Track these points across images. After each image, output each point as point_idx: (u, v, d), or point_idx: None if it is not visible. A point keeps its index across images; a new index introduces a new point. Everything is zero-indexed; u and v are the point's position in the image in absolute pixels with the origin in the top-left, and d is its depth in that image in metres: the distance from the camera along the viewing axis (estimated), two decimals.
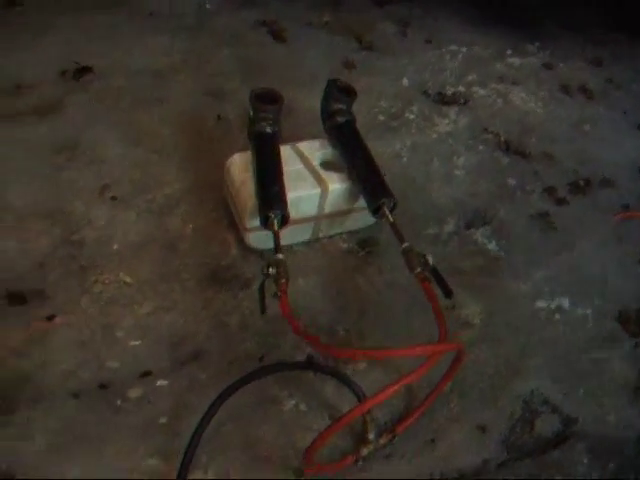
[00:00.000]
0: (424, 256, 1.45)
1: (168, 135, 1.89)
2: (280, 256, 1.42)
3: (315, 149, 1.69)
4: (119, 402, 1.40)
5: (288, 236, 1.61)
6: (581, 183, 1.94)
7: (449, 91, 2.14)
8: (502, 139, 2.01)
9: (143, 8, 2.29)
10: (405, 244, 1.47)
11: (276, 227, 1.48)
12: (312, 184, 1.60)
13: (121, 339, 1.49)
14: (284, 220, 1.51)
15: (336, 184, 1.61)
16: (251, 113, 1.66)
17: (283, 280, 1.38)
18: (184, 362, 1.47)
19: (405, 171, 1.88)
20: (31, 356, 1.45)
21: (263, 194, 1.52)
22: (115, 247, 1.64)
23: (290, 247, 1.66)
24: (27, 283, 1.55)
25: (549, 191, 1.91)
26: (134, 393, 1.42)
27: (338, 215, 1.65)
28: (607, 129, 2.15)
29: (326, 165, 1.67)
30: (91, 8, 2.25)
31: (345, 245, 1.70)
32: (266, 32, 2.25)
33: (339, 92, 1.69)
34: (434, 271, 1.44)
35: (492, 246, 1.74)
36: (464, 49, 2.34)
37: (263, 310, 1.38)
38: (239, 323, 1.53)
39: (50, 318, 1.51)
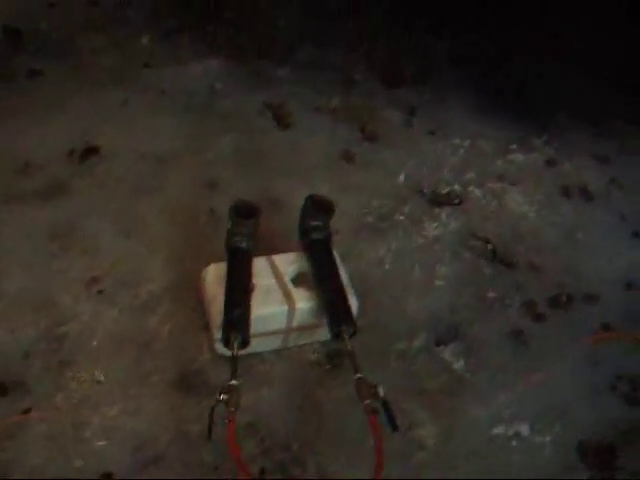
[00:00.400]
0: (375, 387, 1.51)
1: (160, 228, 1.97)
2: (234, 383, 1.49)
3: (289, 263, 1.75)
4: None
5: (258, 345, 1.68)
6: (563, 298, 1.95)
7: (444, 190, 2.17)
8: (489, 247, 2.03)
9: (156, 85, 2.37)
10: (358, 375, 1.53)
11: (235, 350, 1.55)
12: (280, 301, 1.67)
13: (88, 439, 1.58)
14: (244, 343, 1.58)
15: (303, 303, 1.68)
16: (229, 226, 1.73)
17: (232, 409, 1.45)
18: (144, 466, 1.55)
19: (385, 279, 1.92)
20: (5, 449, 1.55)
21: (227, 316, 1.59)
22: (94, 343, 1.73)
23: (260, 355, 1.73)
24: (10, 373, 1.67)
25: (528, 305, 1.93)
26: None
27: (307, 328, 1.71)
28: (601, 237, 2.15)
29: (298, 280, 1.73)
30: (107, 82, 2.35)
31: (314, 356, 1.76)
32: (271, 117, 2.31)
33: (316, 209, 1.75)
34: (384, 404, 1.50)
35: (459, 365, 1.77)
36: (467, 142, 2.35)
37: (209, 435, 1.45)
38: (200, 432, 1.59)
39: (27, 411, 1.62)
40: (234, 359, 1.54)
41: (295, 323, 1.70)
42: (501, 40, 2.64)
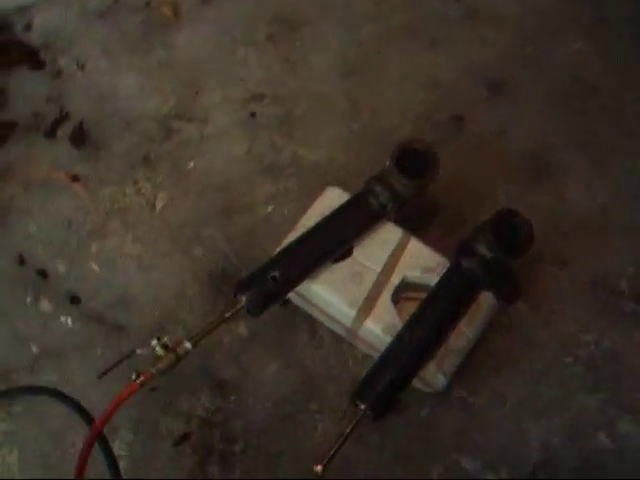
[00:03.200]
0: None
1: (384, 91, 1.44)
2: (187, 346, 1.06)
3: (419, 261, 1.17)
4: (28, 300, 1.29)
5: (320, 316, 1.23)
6: None
7: None
8: None
9: None
10: (318, 468, 1.00)
11: (228, 312, 1.10)
12: (355, 300, 1.14)
13: (89, 254, 1.32)
14: (250, 312, 1.11)
15: (375, 325, 1.13)
16: (387, 164, 1.17)
17: (153, 370, 1.04)
18: (107, 321, 1.27)
19: (542, 377, 1.24)
20: (27, 198, 1.36)
21: (259, 268, 1.12)
22: (189, 165, 1.38)
23: (320, 326, 1.26)
24: (99, 129, 1.42)
25: None
26: (45, 306, 1.29)
27: (377, 350, 1.17)
28: None
29: (409, 288, 1.16)
30: None
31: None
32: None
33: (499, 233, 1.10)
34: None
35: None
36: None
37: (101, 375, 1.09)
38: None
39: (75, 179, 1.37)
40: (219, 319, 1.10)
41: (361, 334, 1.17)
42: None
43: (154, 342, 1.06)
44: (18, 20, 1.50)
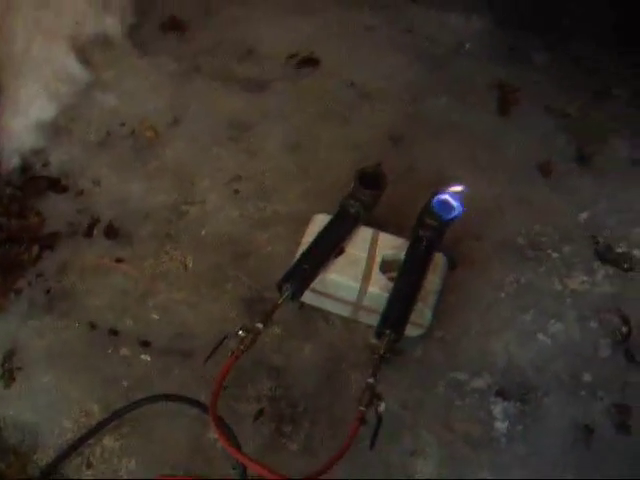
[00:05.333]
0: (379, 399, 1.48)
1: (325, 156, 2.01)
2: (259, 326, 1.54)
3: (389, 246, 1.72)
4: (110, 351, 1.69)
5: (327, 304, 1.74)
6: None
7: (620, 249, 1.92)
8: (623, 329, 1.78)
9: (409, 22, 2.32)
10: (370, 380, 1.49)
11: (280, 299, 1.59)
12: (356, 276, 1.66)
13: (147, 307, 1.75)
14: (293, 296, 1.61)
15: (376, 289, 1.65)
16: (351, 186, 1.73)
17: (242, 347, 1.51)
18: (177, 352, 1.69)
19: (486, 308, 1.79)
20: (85, 281, 1.79)
21: (292, 266, 1.63)
22: (202, 233, 1.87)
23: (328, 314, 1.76)
24: (127, 224, 1.88)
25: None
26: (124, 352, 1.70)
27: (378, 313, 1.67)
28: None
29: (389, 266, 1.70)
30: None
31: (374, 341, 1.72)
32: (497, 97, 2.17)
33: (436, 210, 1.67)
34: (378, 420, 1.46)
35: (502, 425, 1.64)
36: None
37: (206, 359, 1.53)
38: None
39: (118, 260, 1.82)
40: (274, 307, 1.58)
41: (366, 303, 1.69)
42: None
43: (238, 329, 1.53)
44: (36, 161, 1.97)
